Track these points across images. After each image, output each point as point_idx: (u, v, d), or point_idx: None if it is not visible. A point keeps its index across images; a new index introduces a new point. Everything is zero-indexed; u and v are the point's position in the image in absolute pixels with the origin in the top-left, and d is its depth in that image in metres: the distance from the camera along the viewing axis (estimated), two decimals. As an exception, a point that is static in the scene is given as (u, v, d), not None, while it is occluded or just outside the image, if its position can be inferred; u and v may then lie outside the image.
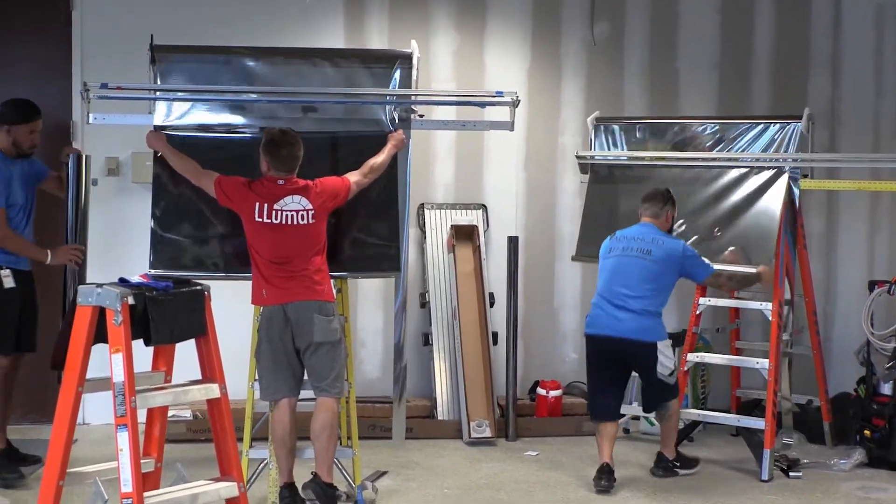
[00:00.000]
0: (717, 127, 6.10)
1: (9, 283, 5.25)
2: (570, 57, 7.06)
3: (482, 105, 5.36)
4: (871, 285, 6.13)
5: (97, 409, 6.21)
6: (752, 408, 6.33)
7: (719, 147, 6.04)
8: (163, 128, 5.00)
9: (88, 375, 3.64)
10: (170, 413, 4.49)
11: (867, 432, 5.93)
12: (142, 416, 3.70)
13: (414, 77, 5.17)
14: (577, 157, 6.50)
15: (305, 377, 4.74)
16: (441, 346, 6.62)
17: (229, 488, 3.89)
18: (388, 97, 5.15)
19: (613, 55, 7.11)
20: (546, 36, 7.02)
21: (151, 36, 4.94)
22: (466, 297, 6.66)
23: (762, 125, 5.94)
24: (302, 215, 4.66)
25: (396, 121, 5.13)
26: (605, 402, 5.45)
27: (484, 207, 6.93)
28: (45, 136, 5.79)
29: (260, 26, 6.50)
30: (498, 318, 6.67)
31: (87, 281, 5.18)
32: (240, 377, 4.84)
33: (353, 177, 4.86)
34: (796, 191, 5.80)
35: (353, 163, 4.93)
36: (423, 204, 6.83)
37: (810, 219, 6.91)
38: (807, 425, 6.43)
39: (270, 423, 4.73)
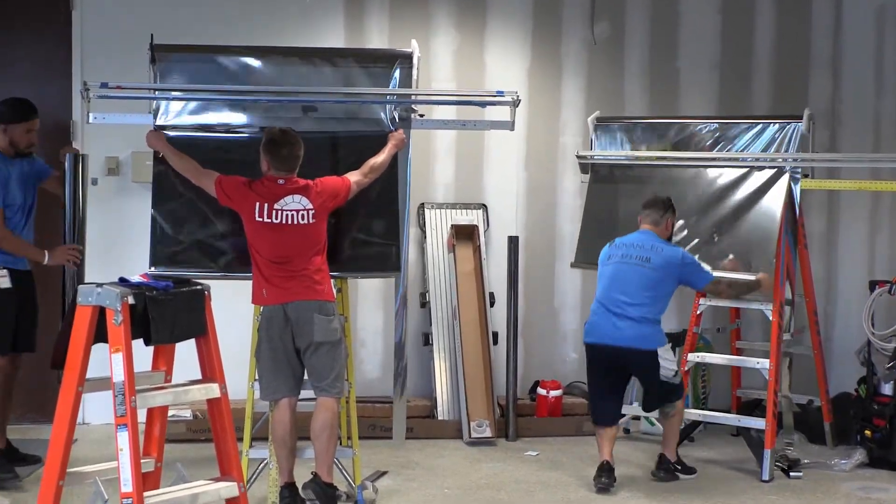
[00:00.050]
0: (717, 127, 6.09)
1: (5, 283, 5.24)
2: (570, 57, 7.05)
3: (482, 105, 5.35)
4: (872, 285, 6.13)
5: (97, 409, 6.21)
6: (753, 408, 6.32)
7: (719, 147, 6.04)
8: (163, 127, 4.99)
9: (88, 375, 3.63)
10: (170, 413, 4.48)
11: (868, 432, 5.92)
12: (142, 415, 3.69)
13: (414, 77, 5.16)
14: (578, 156, 6.50)
15: (305, 377, 4.73)
16: (441, 346, 6.61)
17: (229, 488, 3.89)
18: (388, 97, 5.15)
19: (614, 55, 7.11)
20: (546, 35, 7.02)
21: (151, 35, 4.94)
22: (467, 296, 6.66)
23: (763, 125, 5.94)
24: (302, 215, 4.65)
25: (397, 120, 5.12)
26: (607, 407, 5.46)
27: (484, 207, 6.93)
28: (46, 136, 5.79)
29: (260, 26, 6.50)
30: (498, 317, 6.67)
31: (87, 280, 5.17)
32: (240, 377, 4.83)
33: (354, 176, 4.85)
34: (797, 191, 5.80)
35: (353, 162, 4.93)
36: (423, 203, 6.83)
37: (811, 219, 6.91)
38: (807, 425, 6.42)
39: (270, 423, 4.73)
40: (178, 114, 5.04)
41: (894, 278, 6.08)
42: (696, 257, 5.52)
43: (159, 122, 5.00)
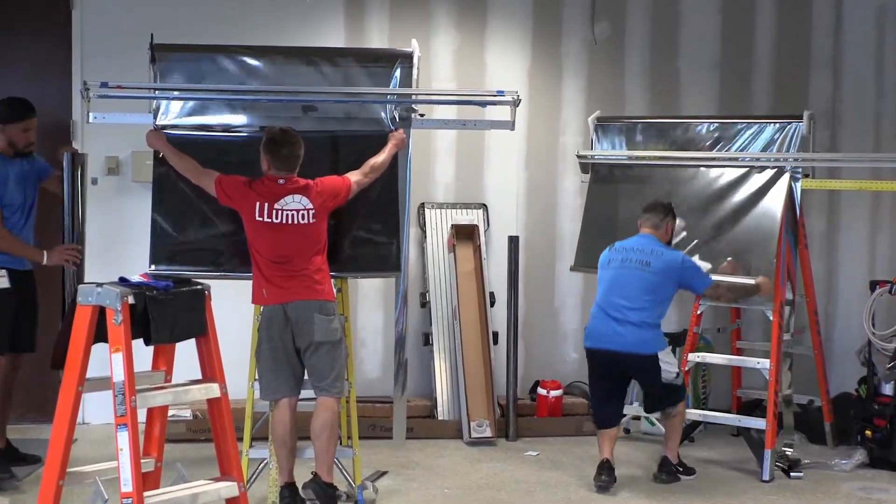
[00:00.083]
0: (718, 127, 6.09)
1: (4, 283, 5.23)
2: (570, 56, 7.05)
3: (483, 104, 5.35)
4: (873, 285, 6.13)
5: (97, 409, 6.20)
6: (753, 408, 6.32)
7: (720, 147, 6.03)
8: (163, 127, 4.99)
9: (88, 375, 3.63)
10: (170, 413, 4.48)
11: (868, 433, 5.92)
12: (142, 415, 3.69)
13: (414, 76, 5.16)
14: (578, 156, 6.50)
15: (306, 377, 4.73)
16: (441, 346, 6.61)
17: (229, 488, 3.89)
18: (388, 96, 5.14)
19: (614, 55, 7.10)
20: (547, 35, 7.02)
21: (151, 35, 4.93)
22: (467, 296, 6.65)
23: (763, 125, 5.94)
24: (302, 215, 4.65)
25: (397, 120, 5.11)
26: (608, 409, 5.47)
27: (484, 207, 6.92)
28: (46, 136, 5.79)
29: (260, 25, 6.50)
30: (498, 317, 6.66)
31: (87, 280, 5.16)
32: (240, 377, 4.83)
33: (354, 176, 4.85)
34: (797, 190, 5.79)
35: (353, 162, 4.92)
36: (423, 203, 6.82)
37: (811, 218, 6.91)
38: (808, 425, 6.42)
39: (270, 423, 4.73)
40: (178, 113, 5.03)
41: (895, 278, 6.08)
42: (696, 258, 5.52)
43: (159, 121, 5.00)
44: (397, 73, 5.15)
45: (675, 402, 5.47)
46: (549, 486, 5.46)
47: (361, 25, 6.76)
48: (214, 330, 3.94)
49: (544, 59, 7.02)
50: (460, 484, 5.45)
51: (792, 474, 5.66)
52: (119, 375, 3.53)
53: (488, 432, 6.29)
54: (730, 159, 5.96)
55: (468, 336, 6.55)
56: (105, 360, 3.55)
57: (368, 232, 5.01)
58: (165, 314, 3.74)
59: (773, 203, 5.72)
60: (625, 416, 6.03)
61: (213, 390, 3.91)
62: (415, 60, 5.15)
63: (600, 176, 6.41)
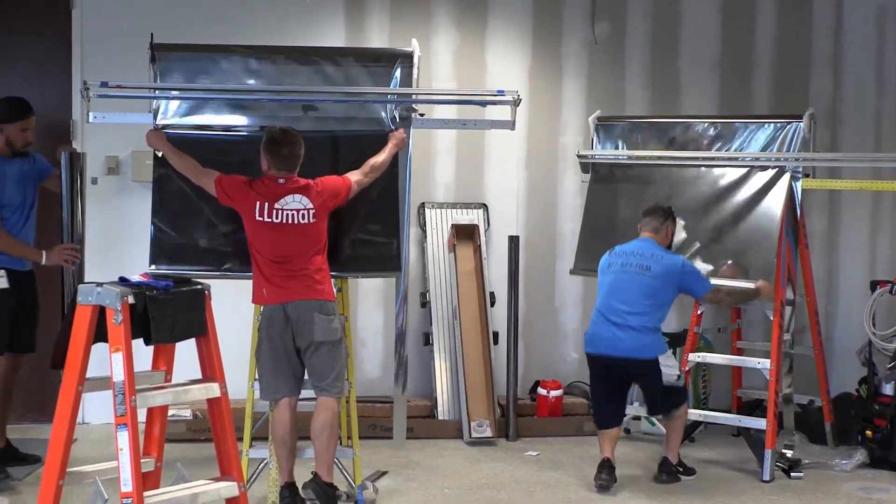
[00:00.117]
0: (718, 126, 6.08)
1: (3, 284, 5.23)
2: (571, 56, 7.05)
3: (483, 104, 5.35)
4: (873, 285, 6.12)
5: (97, 409, 6.20)
6: (754, 408, 6.32)
7: (720, 146, 6.03)
8: (163, 126, 4.99)
9: (88, 375, 3.63)
10: (170, 412, 4.47)
11: (869, 433, 5.92)
12: (142, 415, 3.69)
13: (415, 76, 5.16)
14: (579, 156, 6.49)
15: (306, 377, 4.73)
16: (442, 346, 6.61)
17: (229, 488, 3.88)
18: (388, 96, 5.14)
19: (614, 54, 7.10)
20: (547, 35, 7.01)
21: (151, 35, 4.93)
22: (467, 296, 6.65)
23: (763, 124, 5.93)
24: (303, 214, 4.65)
25: (397, 120, 5.12)
26: (609, 410, 5.47)
27: (485, 207, 6.92)
28: (46, 135, 5.79)
29: (260, 25, 6.49)
30: (499, 317, 6.66)
31: (87, 280, 5.16)
32: (240, 377, 4.83)
33: (354, 176, 4.85)
34: (798, 190, 5.79)
35: (353, 162, 4.92)
36: (423, 203, 6.82)
37: (812, 218, 6.90)
38: (808, 425, 6.41)
39: (271, 423, 4.72)
40: (177, 113, 5.04)
41: (895, 278, 6.07)
42: (698, 261, 5.51)
43: (159, 121, 5.00)
44: (397, 72, 5.16)
45: (678, 404, 5.47)
46: (550, 486, 5.46)
47: (361, 25, 6.76)
48: (214, 330, 3.93)
49: (544, 59, 7.02)
50: (460, 484, 5.45)
51: (792, 474, 5.66)
52: (119, 375, 3.52)
53: (488, 432, 6.29)
54: (730, 159, 5.96)
55: (468, 336, 6.55)
56: (105, 360, 3.54)
57: (368, 232, 5.01)
58: (165, 314, 3.73)
59: (774, 203, 5.71)
60: (625, 416, 6.02)
61: (213, 390, 3.90)
62: (415, 60, 5.15)
63: (600, 176, 6.40)
